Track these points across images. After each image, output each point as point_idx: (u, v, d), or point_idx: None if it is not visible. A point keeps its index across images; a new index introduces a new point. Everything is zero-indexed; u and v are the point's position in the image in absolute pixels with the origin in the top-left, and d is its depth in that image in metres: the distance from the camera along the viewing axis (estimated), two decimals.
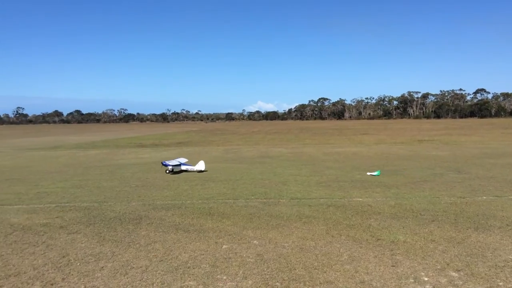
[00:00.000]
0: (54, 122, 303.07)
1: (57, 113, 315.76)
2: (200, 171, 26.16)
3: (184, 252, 10.56)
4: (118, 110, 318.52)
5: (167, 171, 25.74)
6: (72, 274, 9.15)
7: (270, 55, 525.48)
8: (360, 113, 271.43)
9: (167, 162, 26.39)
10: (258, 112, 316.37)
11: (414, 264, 9.64)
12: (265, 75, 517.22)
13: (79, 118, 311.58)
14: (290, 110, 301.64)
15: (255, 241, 11.41)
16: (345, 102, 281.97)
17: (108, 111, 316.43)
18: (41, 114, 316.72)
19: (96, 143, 62.62)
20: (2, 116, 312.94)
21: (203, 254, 10.39)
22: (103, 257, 10.29)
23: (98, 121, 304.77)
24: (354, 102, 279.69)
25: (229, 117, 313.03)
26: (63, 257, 10.27)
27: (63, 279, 8.91)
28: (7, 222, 13.79)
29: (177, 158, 29.26)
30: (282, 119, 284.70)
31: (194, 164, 27.23)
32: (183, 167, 26.61)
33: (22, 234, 12.32)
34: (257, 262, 9.82)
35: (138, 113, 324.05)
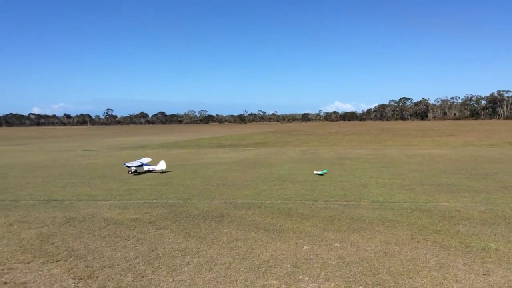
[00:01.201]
0: (140, 123, 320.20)
1: (143, 115, 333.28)
2: (162, 171, 26.99)
3: (266, 251, 10.69)
4: (198, 112, 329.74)
5: (130, 172, 26.49)
6: (161, 268, 9.62)
7: (347, 54, 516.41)
8: (445, 114, 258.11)
9: (128, 164, 27.14)
10: (335, 112, 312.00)
11: (508, 274, 9.01)
12: (343, 74, 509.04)
13: (163, 119, 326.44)
14: (369, 110, 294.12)
15: (336, 244, 11.28)
16: (429, 102, 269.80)
17: (190, 113, 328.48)
18: (128, 115, 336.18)
19: (179, 143, 65.26)
20: (94, 117, 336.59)
21: (284, 254, 10.46)
22: (189, 252, 10.71)
23: (180, 122, 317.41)
24: (438, 102, 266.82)
25: (305, 117, 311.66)
26: (152, 251, 10.84)
27: (152, 272, 9.40)
28: (101, 216, 14.79)
29: (140, 159, 29.82)
30: (360, 120, 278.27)
31: (155, 164, 28.09)
32: (146, 167, 27.49)
33: (114, 228, 13.16)
34: (339, 265, 9.70)
35: (217, 115, 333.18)
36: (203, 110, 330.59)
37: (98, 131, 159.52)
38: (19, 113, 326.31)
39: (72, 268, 9.57)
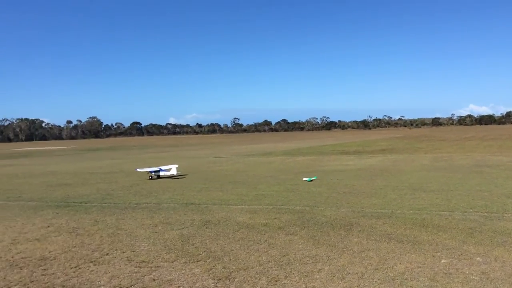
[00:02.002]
0: (264, 130, 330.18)
1: (267, 122, 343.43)
2: (173, 176, 29.71)
3: (400, 263, 10.29)
4: (320, 118, 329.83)
5: (150, 177, 29.52)
6: (293, 273, 9.81)
7: (483, 50, 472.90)
8: None
9: (140, 169, 31.15)
10: (469, 116, 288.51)
11: None
12: (478, 74, 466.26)
13: (286, 126, 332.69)
14: (509, 113, 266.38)
15: (478, 258, 10.43)
16: None
17: (311, 119, 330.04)
18: (253, 123, 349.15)
19: (302, 150, 65.86)
20: (222, 126, 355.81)
21: (420, 267, 9.96)
22: (320, 259, 10.76)
23: (302, 129, 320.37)
24: None
25: (435, 122, 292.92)
26: (284, 256, 11.10)
27: (285, 277, 9.63)
28: (234, 220, 15.57)
29: (167, 165, 33.23)
30: (499, 124, 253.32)
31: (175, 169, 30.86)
32: (161, 173, 30.42)
33: (247, 232, 13.75)
34: (482, 281, 8.96)
35: (339, 121, 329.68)
36: (325, 117, 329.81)
37: (226, 139, 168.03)
38: (158, 123, 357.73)
39: (211, 269, 10.22)
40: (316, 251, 11.46)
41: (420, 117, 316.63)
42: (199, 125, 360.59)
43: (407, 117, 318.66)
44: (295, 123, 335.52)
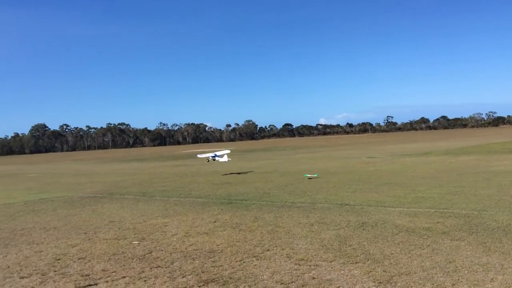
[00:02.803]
0: (421, 128, 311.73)
1: (424, 120, 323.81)
2: (226, 161, 37.12)
3: None
4: (486, 114, 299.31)
5: (208, 161, 37.03)
6: (461, 282, 9.07)
7: None
8: None
9: (201, 155, 39.78)
10: None
11: None
12: None
13: (445, 123, 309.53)
14: None
15: None
16: None
17: (476, 115, 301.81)
18: (408, 121, 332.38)
19: (466, 148, 60.53)
20: (374, 125, 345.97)
21: None
22: (491, 268, 9.77)
23: (464, 126, 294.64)
24: None
25: None
26: (450, 262, 10.33)
27: (452, 284, 8.95)
28: (392, 223, 15.00)
29: (218, 151, 40.61)
30: None
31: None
32: (216, 158, 37.50)
33: (407, 236, 13.13)
34: None
35: (508, 116, 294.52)
36: (491, 112, 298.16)
37: (379, 138, 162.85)
38: (308, 124, 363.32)
39: (370, 271, 10.00)
40: (487, 259, 10.42)
41: None
42: (350, 125, 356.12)
43: None
44: (456, 119, 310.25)
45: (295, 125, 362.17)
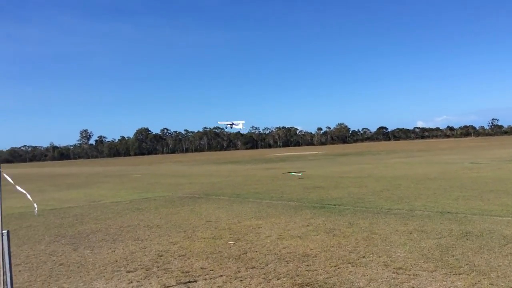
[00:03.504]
0: None
1: None
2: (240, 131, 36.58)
3: None
4: None
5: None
6: None
7: None
8: None
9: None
10: None
11: None
12: None
13: None
14: None
15: None
16: None
17: None
18: None
19: None
20: (478, 128, 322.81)
21: None
22: None
23: None
24: None
25: None
26: None
27: None
28: (499, 233, 13.89)
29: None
30: None
31: None
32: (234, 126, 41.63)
33: None
34: None
35: None
36: None
37: (483, 142, 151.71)
38: (405, 128, 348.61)
39: (475, 284, 9.36)
40: None
41: None
42: (450, 128, 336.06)
43: None
44: None
45: (390, 128, 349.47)
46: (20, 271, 12.02)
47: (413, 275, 10.19)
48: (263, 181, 37.75)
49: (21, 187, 9.45)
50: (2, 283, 8.84)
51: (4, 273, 8.84)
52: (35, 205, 10.94)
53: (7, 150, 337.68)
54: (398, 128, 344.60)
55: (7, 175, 9.15)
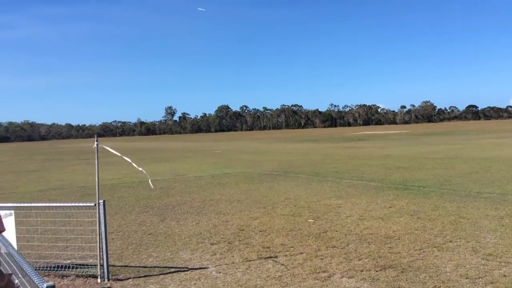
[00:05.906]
0: None
1: None
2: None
3: None
4: None
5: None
6: None
7: None
8: None
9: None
10: None
11: None
12: None
13: None
14: None
15: None
16: None
17: None
18: None
19: None
20: None
21: None
22: None
23: None
24: None
25: None
26: None
27: None
28: None
29: None
30: None
31: None
32: None
33: None
34: None
35: None
36: None
37: None
38: (496, 106, 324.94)
39: None
40: None
41: None
42: None
43: None
44: None
45: (480, 107, 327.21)
46: (113, 239, 12.95)
47: (505, 262, 9.59)
48: (343, 160, 37.18)
49: (129, 159, 10.14)
50: (98, 249, 9.61)
51: (100, 240, 9.60)
52: (149, 177, 11.66)
53: (99, 125, 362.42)
54: (489, 107, 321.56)
55: (110, 148, 9.95)
